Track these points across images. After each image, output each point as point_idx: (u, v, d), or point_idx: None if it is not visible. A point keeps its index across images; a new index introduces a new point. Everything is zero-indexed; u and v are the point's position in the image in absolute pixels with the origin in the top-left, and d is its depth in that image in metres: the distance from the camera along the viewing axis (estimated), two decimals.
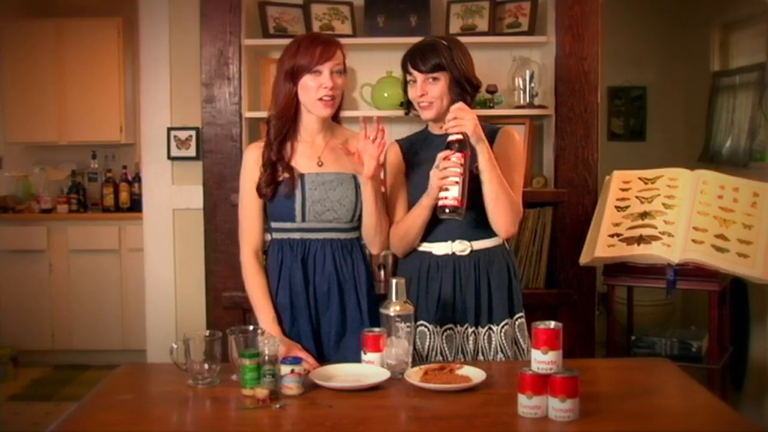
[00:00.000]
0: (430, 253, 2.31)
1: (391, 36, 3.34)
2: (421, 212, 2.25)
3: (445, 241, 2.30)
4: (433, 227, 2.29)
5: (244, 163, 2.36)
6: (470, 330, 2.31)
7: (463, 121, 2.14)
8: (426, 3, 3.40)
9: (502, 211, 2.24)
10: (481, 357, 2.31)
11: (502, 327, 2.32)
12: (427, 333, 2.30)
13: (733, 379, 3.65)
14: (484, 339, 2.32)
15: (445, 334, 2.30)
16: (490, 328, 2.32)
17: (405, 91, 2.36)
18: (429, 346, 2.30)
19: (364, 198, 2.26)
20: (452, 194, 2.12)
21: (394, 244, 2.36)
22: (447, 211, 2.13)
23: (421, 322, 2.30)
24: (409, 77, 2.31)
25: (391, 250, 2.41)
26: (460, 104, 2.19)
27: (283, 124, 2.29)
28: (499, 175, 2.21)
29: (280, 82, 2.28)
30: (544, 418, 1.72)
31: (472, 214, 2.26)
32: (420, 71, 2.27)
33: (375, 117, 2.24)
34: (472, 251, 2.30)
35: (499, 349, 2.31)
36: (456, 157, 2.12)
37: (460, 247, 2.30)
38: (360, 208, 2.32)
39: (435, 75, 2.26)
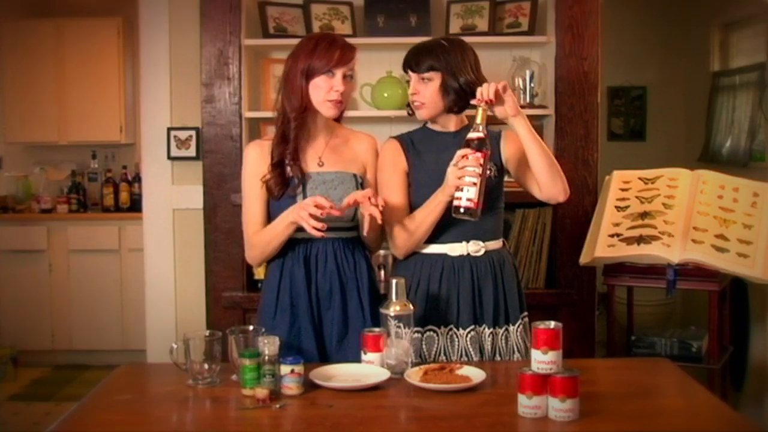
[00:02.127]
0: (444, 255, 2.29)
1: (391, 36, 3.34)
2: (435, 208, 2.20)
3: (460, 242, 2.29)
4: (445, 228, 2.27)
5: (247, 158, 2.35)
6: (488, 331, 2.31)
7: (509, 98, 2.15)
8: (426, 3, 3.39)
9: (557, 173, 2.25)
10: (498, 357, 2.31)
11: (518, 327, 2.34)
12: (436, 337, 2.29)
13: (733, 379, 3.65)
14: (501, 339, 2.32)
15: (469, 336, 2.29)
16: (507, 329, 2.33)
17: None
18: (436, 350, 2.29)
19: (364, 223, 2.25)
20: (469, 195, 2.09)
21: (400, 244, 2.30)
22: (462, 211, 2.10)
23: (430, 326, 2.29)
24: (407, 77, 2.33)
25: (390, 251, 2.38)
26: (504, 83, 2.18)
27: (303, 121, 2.28)
28: (543, 143, 2.23)
29: (294, 79, 2.26)
30: (544, 418, 1.72)
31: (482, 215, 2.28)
32: (413, 71, 2.29)
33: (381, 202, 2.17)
34: (485, 252, 2.31)
35: (515, 348, 2.33)
36: (475, 157, 2.09)
37: (474, 247, 2.29)
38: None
39: (427, 75, 2.26)
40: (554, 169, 2.25)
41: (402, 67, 2.35)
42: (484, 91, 2.13)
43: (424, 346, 2.28)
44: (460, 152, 2.12)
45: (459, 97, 2.27)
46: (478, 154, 2.09)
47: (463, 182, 2.09)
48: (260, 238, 2.29)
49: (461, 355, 2.28)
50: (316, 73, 2.23)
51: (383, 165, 2.34)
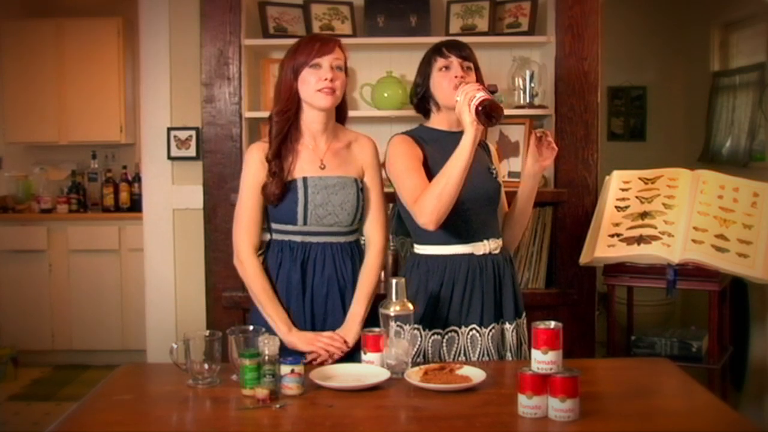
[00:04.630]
0: (470, 255, 2.30)
1: (391, 36, 3.33)
2: (460, 152, 2.11)
3: (481, 240, 2.30)
4: (466, 227, 2.28)
5: (246, 161, 2.35)
6: (510, 326, 2.34)
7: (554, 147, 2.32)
8: (426, 3, 3.39)
9: (522, 230, 2.47)
10: (509, 356, 2.32)
11: (523, 318, 2.40)
12: (457, 338, 2.30)
13: (733, 379, 3.65)
14: (512, 334, 2.34)
15: (490, 334, 2.30)
16: (517, 323, 2.36)
17: (420, 88, 2.35)
18: (456, 350, 2.29)
19: None
20: (481, 95, 2.11)
21: (429, 211, 2.12)
22: (485, 106, 2.09)
23: (452, 327, 2.30)
24: (442, 62, 2.30)
25: (424, 223, 2.18)
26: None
27: (285, 122, 2.28)
28: (533, 203, 2.42)
29: (281, 81, 2.30)
30: (544, 418, 1.72)
31: (485, 214, 2.32)
32: (457, 56, 2.29)
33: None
34: (500, 249, 2.35)
35: (524, 340, 2.37)
36: (468, 79, 2.25)
37: (494, 245, 2.33)
38: (361, 212, 2.32)
39: (469, 64, 2.31)
40: (524, 228, 2.47)
41: (435, 53, 2.33)
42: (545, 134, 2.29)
43: (444, 348, 2.29)
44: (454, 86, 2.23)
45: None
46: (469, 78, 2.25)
47: (470, 90, 2.12)
48: (250, 281, 2.31)
49: (482, 355, 2.28)
50: (301, 68, 2.25)
51: (398, 154, 2.27)
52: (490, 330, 2.30)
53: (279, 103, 2.29)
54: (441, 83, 2.29)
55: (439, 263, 2.30)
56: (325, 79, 2.22)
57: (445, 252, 2.30)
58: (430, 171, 2.26)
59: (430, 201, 2.14)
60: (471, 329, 2.29)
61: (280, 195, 2.26)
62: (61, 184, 5.59)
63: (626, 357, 3.06)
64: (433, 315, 2.27)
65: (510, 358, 2.32)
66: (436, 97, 2.32)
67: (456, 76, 2.26)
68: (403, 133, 2.37)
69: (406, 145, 2.30)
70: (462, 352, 2.29)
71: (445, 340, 2.29)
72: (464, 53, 2.31)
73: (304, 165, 2.30)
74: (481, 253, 2.30)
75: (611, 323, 3.06)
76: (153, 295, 3.60)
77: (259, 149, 2.33)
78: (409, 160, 2.26)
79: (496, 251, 2.33)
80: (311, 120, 2.31)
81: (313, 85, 2.23)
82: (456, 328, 2.29)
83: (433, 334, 2.27)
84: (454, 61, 2.29)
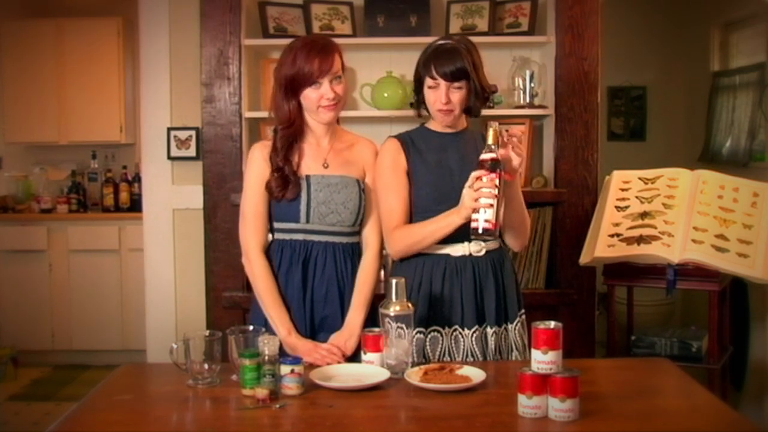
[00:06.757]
0: (447, 256, 2.29)
1: (391, 36, 3.34)
2: (446, 227, 2.18)
3: (462, 242, 2.28)
4: None
5: (250, 160, 2.34)
6: (491, 330, 2.31)
7: (521, 152, 2.17)
8: (426, 3, 3.40)
9: (526, 230, 2.38)
10: (498, 356, 2.31)
11: (516, 324, 2.35)
12: (440, 338, 2.29)
13: (733, 379, 3.66)
14: (501, 338, 2.33)
15: (474, 336, 2.29)
16: (506, 328, 2.34)
17: (416, 91, 2.34)
18: (440, 351, 2.29)
19: None
20: (486, 216, 2.05)
21: (400, 249, 2.29)
22: (480, 232, 2.07)
23: (434, 327, 2.29)
24: (430, 81, 2.24)
25: (391, 254, 2.34)
26: (519, 133, 2.28)
27: (291, 134, 2.29)
28: (522, 200, 2.30)
29: (279, 92, 2.28)
30: (544, 418, 1.72)
31: None
32: (445, 79, 2.22)
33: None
34: (486, 252, 2.31)
35: (513, 346, 2.34)
36: (489, 178, 2.05)
37: (476, 247, 2.29)
38: (363, 213, 2.33)
39: (459, 84, 2.23)
40: (524, 226, 2.35)
41: (423, 69, 2.26)
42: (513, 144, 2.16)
43: (428, 347, 2.28)
44: (474, 174, 2.08)
45: (482, 101, 2.29)
46: (493, 175, 2.05)
47: (479, 204, 2.06)
48: (256, 280, 2.29)
49: (466, 356, 2.28)
50: (301, 87, 2.24)
51: (383, 166, 2.32)
52: (473, 332, 2.29)
53: (280, 116, 2.29)
54: (429, 98, 2.28)
55: (417, 263, 2.30)
56: (327, 98, 2.23)
57: (423, 251, 2.30)
58: (416, 176, 2.29)
59: (401, 244, 2.28)
60: (454, 330, 2.29)
61: (283, 195, 2.26)
62: (61, 184, 5.59)
63: (626, 357, 3.06)
64: (414, 314, 2.27)
65: None
66: (428, 107, 2.32)
67: (443, 102, 2.22)
68: (398, 135, 2.37)
69: (392, 155, 2.31)
70: (446, 352, 2.29)
71: (428, 339, 2.28)
72: (455, 74, 2.21)
73: (309, 163, 2.31)
74: (459, 254, 2.28)
75: (611, 323, 3.07)
76: (153, 295, 3.60)
77: (263, 147, 2.33)
78: (391, 175, 2.29)
79: (479, 254, 2.29)
80: (315, 125, 2.33)
81: (315, 102, 2.25)
82: (439, 328, 2.29)
83: (416, 333, 2.27)
84: (442, 84, 2.22)
